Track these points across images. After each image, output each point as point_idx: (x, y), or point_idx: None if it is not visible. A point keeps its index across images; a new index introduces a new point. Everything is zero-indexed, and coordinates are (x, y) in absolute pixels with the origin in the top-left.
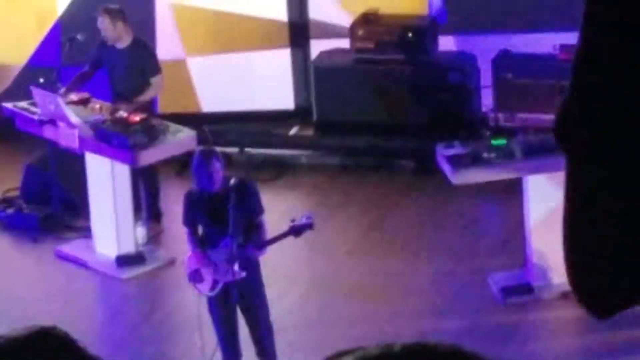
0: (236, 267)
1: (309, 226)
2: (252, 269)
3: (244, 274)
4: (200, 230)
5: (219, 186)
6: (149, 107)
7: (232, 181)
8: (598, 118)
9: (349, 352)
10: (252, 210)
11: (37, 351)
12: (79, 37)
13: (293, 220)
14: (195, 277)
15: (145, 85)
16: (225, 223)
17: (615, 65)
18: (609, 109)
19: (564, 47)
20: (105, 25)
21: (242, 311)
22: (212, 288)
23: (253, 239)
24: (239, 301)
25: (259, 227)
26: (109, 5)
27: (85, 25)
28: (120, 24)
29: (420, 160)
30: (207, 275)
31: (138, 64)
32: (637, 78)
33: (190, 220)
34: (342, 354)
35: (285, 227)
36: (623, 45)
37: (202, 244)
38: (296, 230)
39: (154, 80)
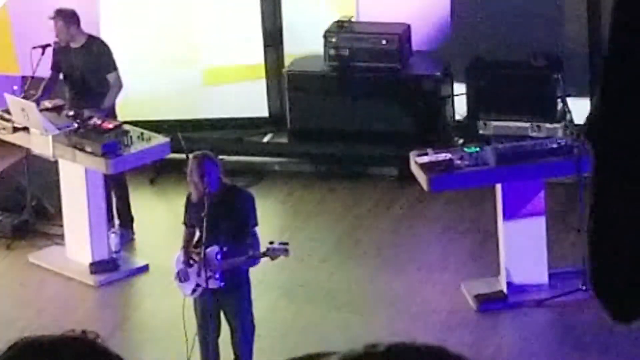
0: (216, 275)
1: (284, 251)
2: (235, 278)
3: (222, 284)
4: (196, 231)
5: (213, 189)
6: (114, 114)
7: (226, 189)
8: (625, 121)
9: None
10: (244, 221)
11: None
12: (53, 44)
13: (272, 243)
14: (180, 276)
15: (101, 83)
16: (210, 229)
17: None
18: (635, 112)
19: (537, 55)
20: (59, 27)
21: (226, 319)
22: (193, 291)
23: (243, 250)
24: (223, 309)
25: (251, 240)
26: (62, 7)
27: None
28: (73, 25)
29: (394, 168)
30: (192, 277)
31: (93, 62)
32: None
33: (186, 221)
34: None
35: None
36: None
37: (196, 246)
38: (272, 252)
39: (110, 76)
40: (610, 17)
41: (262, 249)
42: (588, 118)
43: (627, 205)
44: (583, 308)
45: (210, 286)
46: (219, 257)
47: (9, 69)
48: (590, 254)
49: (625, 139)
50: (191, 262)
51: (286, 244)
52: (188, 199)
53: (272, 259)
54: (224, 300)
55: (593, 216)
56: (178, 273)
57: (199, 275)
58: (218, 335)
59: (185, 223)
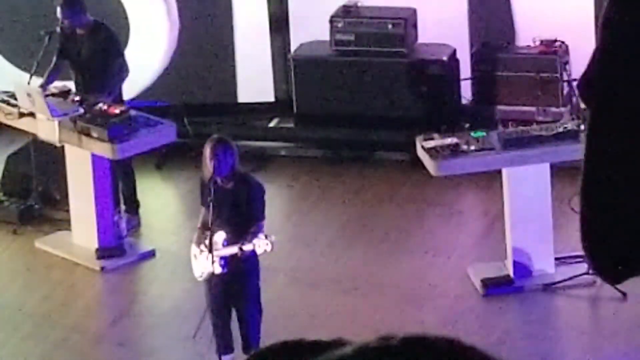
0: (219, 261)
1: (266, 245)
2: (241, 266)
3: (224, 270)
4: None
5: (221, 174)
6: (120, 99)
7: (240, 177)
8: (615, 78)
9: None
10: (251, 213)
11: None
12: (58, 29)
13: (266, 236)
14: (195, 257)
15: (107, 69)
16: (215, 214)
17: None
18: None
19: (542, 40)
20: (64, 13)
21: (233, 305)
22: (200, 275)
23: (248, 239)
24: (230, 295)
25: (257, 232)
26: None
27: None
28: (78, 11)
29: (402, 153)
30: (201, 259)
31: (99, 48)
32: None
33: (203, 203)
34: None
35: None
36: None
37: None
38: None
39: (117, 62)
40: None
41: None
42: (583, 77)
43: (618, 161)
44: (589, 292)
45: (216, 271)
46: (224, 243)
47: None
48: (581, 214)
49: (618, 97)
50: (201, 246)
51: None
52: (202, 180)
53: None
54: (232, 286)
55: (584, 174)
56: (195, 253)
57: (207, 258)
58: (230, 319)
59: (202, 204)
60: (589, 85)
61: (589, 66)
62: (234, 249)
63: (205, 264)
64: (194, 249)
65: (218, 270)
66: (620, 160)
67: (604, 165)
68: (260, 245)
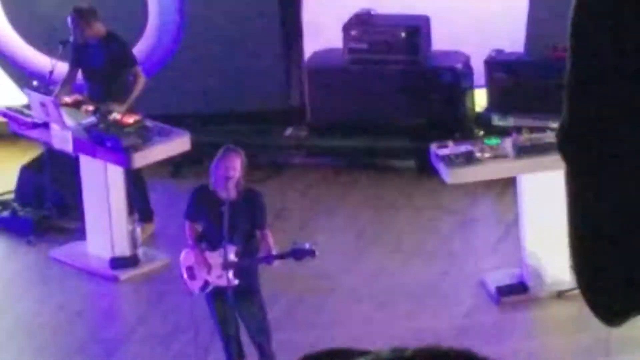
0: (230, 274)
1: (310, 253)
2: (249, 277)
3: (236, 282)
4: (199, 228)
5: (236, 185)
6: (135, 108)
7: (244, 189)
8: (588, 134)
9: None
10: (257, 221)
11: None
12: (71, 39)
13: (295, 243)
14: (188, 273)
15: (120, 79)
16: (227, 228)
17: (604, 86)
18: (598, 125)
19: (556, 47)
20: (77, 24)
21: (240, 316)
22: (202, 288)
23: (253, 249)
24: (236, 307)
25: (263, 239)
26: (80, 4)
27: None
28: (91, 22)
29: (415, 160)
30: (200, 274)
31: (112, 58)
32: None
33: (192, 216)
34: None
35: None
36: (611, 69)
37: (200, 242)
38: (298, 254)
39: (132, 72)
40: (570, 28)
41: (282, 248)
42: (559, 129)
43: (603, 211)
44: None
45: (225, 284)
46: (235, 256)
47: None
48: (572, 257)
49: (594, 149)
50: (201, 260)
51: (313, 244)
52: (196, 192)
53: (298, 259)
54: (240, 297)
55: (570, 220)
56: (187, 270)
57: (209, 273)
58: (238, 331)
59: (187, 217)
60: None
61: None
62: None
63: (207, 277)
64: (193, 267)
65: (231, 283)
66: (608, 200)
67: (592, 206)
68: (304, 254)
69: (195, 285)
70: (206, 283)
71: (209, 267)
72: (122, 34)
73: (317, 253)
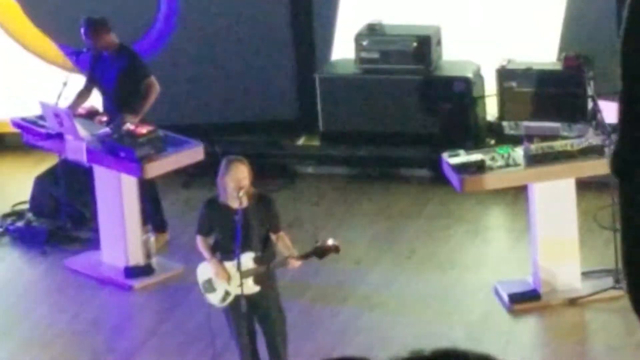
0: (250, 281)
1: (334, 249)
2: (268, 281)
3: (257, 289)
4: (212, 240)
5: (240, 200)
6: (148, 119)
7: (255, 195)
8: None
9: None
10: (271, 225)
11: None
12: (85, 50)
13: (317, 242)
14: (206, 287)
15: (134, 90)
16: (243, 235)
17: None
18: None
19: (567, 56)
20: (89, 35)
21: (258, 321)
22: (223, 299)
23: (271, 254)
24: (255, 311)
25: (280, 241)
26: (92, 16)
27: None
28: (103, 34)
29: (428, 170)
30: (220, 286)
31: (125, 69)
32: None
33: (204, 230)
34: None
35: (307, 245)
36: None
37: (214, 254)
38: (321, 251)
39: (145, 83)
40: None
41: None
42: (613, 154)
43: None
44: (616, 306)
45: (246, 292)
46: (254, 262)
47: None
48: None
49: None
50: (222, 271)
51: (334, 240)
52: (207, 205)
53: (321, 257)
54: (257, 305)
55: (625, 242)
56: (203, 284)
57: (229, 283)
58: (255, 339)
59: (200, 231)
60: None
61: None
62: (295, 262)
63: (227, 288)
64: (212, 279)
65: (250, 290)
66: None
67: None
68: (327, 249)
69: (216, 298)
70: (227, 294)
71: (228, 277)
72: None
73: (340, 249)
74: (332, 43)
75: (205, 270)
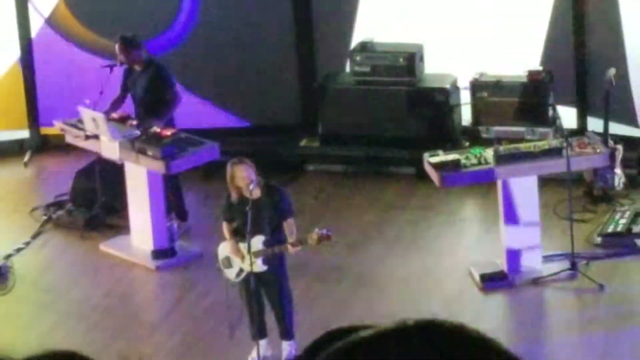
0: (260, 261)
1: (327, 237)
2: (277, 262)
3: (265, 268)
4: (234, 225)
5: (254, 189)
6: (172, 123)
7: (264, 186)
8: None
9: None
10: (282, 212)
11: None
12: (118, 63)
13: (314, 231)
14: (225, 263)
15: (160, 99)
16: (255, 222)
17: None
18: None
19: (530, 71)
20: (120, 50)
21: (267, 296)
22: (237, 275)
23: (281, 239)
24: (265, 287)
25: (288, 228)
26: (125, 33)
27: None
28: (132, 49)
29: (412, 167)
30: (235, 263)
31: (153, 81)
32: None
33: (227, 217)
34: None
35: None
36: None
37: (235, 236)
38: (305, 241)
39: (169, 92)
40: None
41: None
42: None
43: None
44: (571, 285)
45: (255, 270)
46: (263, 245)
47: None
48: None
49: None
50: (237, 251)
51: (329, 230)
52: (228, 199)
53: (317, 243)
54: (266, 282)
55: None
56: (222, 261)
57: (242, 261)
58: (264, 310)
59: (224, 218)
60: None
61: None
62: (288, 247)
63: (242, 265)
64: (230, 257)
65: (259, 269)
66: None
67: None
68: (321, 237)
69: (232, 273)
70: (240, 270)
71: (242, 256)
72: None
73: (332, 237)
74: (330, 58)
75: (225, 249)
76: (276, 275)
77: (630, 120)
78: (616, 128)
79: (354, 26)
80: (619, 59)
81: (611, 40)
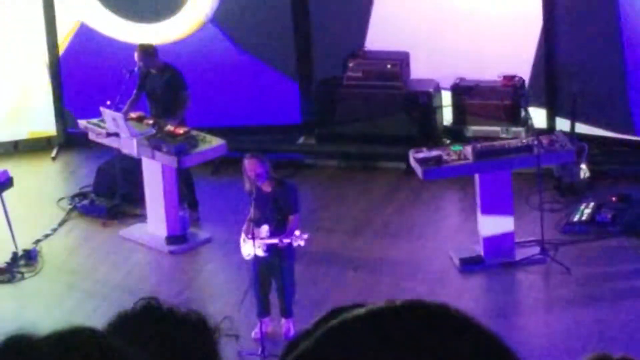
0: (263, 247)
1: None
2: (280, 250)
3: (266, 254)
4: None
5: (261, 182)
6: (184, 122)
7: (277, 182)
8: None
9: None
10: (287, 208)
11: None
12: (136, 69)
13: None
14: (244, 241)
15: (174, 100)
16: (263, 212)
17: None
18: None
19: (505, 76)
20: (139, 56)
21: (273, 278)
22: (248, 254)
23: (284, 230)
24: (270, 270)
25: (294, 225)
26: (143, 42)
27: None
28: (150, 56)
29: (400, 163)
30: (248, 245)
31: (168, 84)
32: None
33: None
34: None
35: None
36: None
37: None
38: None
39: (182, 94)
40: None
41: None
42: None
43: None
44: (541, 268)
45: (258, 254)
46: (268, 234)
47: None
48: None
49: None
50: (248, 235)
51: (303, 235)
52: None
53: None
54: (273, 266)
55: None
56: (244, 238)
57: (252, 245)
58: (269, 290)
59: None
60: None
61: None
62: (275, 240)
63: (250, 248)
64: (243, 236)
65: (260, 254)
66: None
67: None
68: (296, 240)
69: (245, 251)
70: (249, 252)
71: (252, 240)
72: None
73: (305, 242)
74: (326, 64)
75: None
76: (280, 260)
77: (595, 121)
78: (582, 128)
79: (347, 33)
80: (586, 65)
81: (579, 47)
